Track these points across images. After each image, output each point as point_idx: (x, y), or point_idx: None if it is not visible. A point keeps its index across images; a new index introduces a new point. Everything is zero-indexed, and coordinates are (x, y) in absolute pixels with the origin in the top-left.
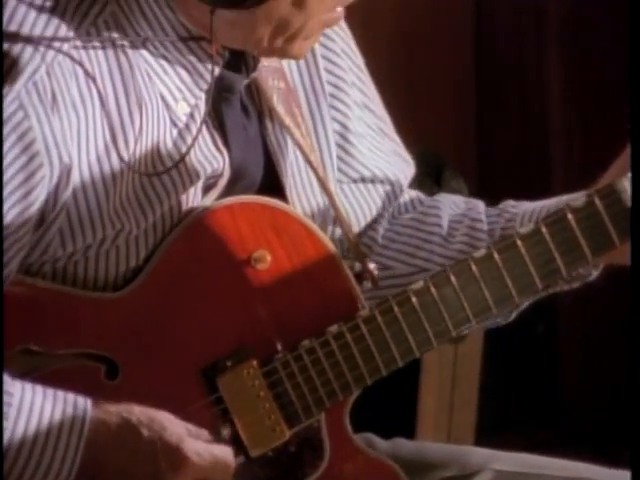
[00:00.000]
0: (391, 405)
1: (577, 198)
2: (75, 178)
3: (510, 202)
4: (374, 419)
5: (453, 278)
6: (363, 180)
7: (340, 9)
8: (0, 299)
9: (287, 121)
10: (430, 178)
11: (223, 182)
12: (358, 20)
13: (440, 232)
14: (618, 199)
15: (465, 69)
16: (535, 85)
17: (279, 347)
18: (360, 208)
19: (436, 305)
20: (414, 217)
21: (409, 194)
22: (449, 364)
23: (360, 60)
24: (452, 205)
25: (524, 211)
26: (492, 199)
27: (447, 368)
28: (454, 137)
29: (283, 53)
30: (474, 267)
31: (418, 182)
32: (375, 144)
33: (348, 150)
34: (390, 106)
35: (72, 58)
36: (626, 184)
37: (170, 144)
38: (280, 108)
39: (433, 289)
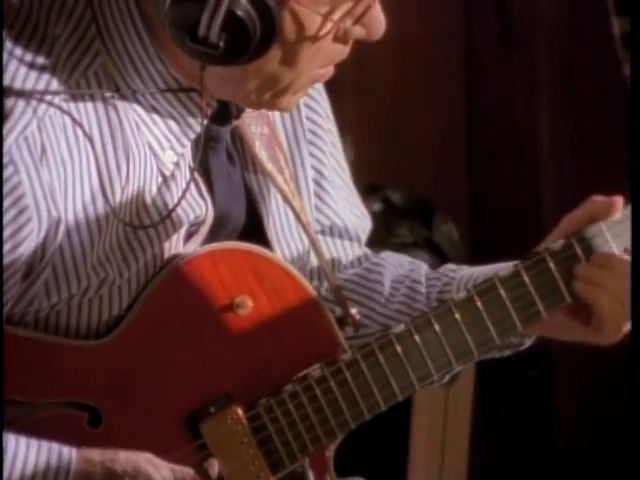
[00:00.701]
0: (382, 449)
1: (506, 268)
2: (62, 230)
3: (450, 266)
4: (365, 463)
5: (434, 322)
6: (332, 229)
7: (330, 67)
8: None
9: (269, 167)
10: (420, 222)
11: (205, 229)
12: (352, 68)
13: (382, 291)
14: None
15: (457, 114)
16: (526, 130)
17: (262, 392)
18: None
19: (418, 349)
20: (358, 273)
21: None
22: (440, 407)
23: (329, 108)
24: (396, 265)
25: (462, 276)
26: (483, 243)
27: (438, 411)
28: (445, 181)
29: (271, 106)
30: (455, 310)
31: (408, 226)
32: (343, 195)
33: (322, 197)
34: (383, 149)
35: (62, 109)
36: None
37: (155, 192)
38: (263, 154)
39: (415, 333)
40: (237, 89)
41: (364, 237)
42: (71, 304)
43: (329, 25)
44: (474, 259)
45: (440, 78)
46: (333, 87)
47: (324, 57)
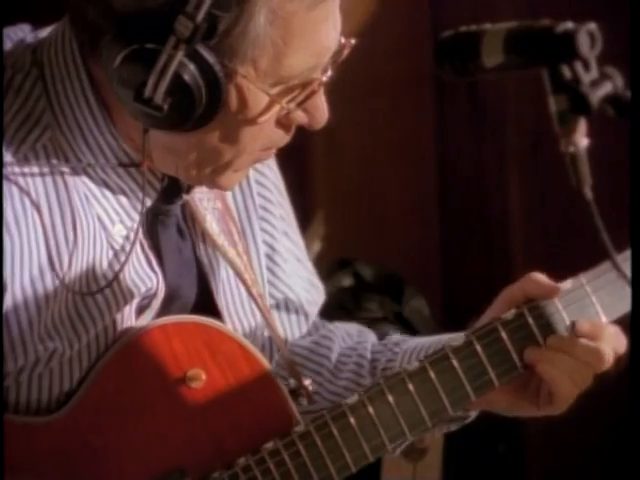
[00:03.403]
0: None
1: (457, 338)
2: (7, 300)
3: (394, 338)
4: None
5: (387, 392)
6: (286, 303)
7: (272, 149)
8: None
9: (220, 241)
10: (391, 297)
11: (157, 302)
12: (322, 142)
13: (328, 366)
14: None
15: (428, 188)
16: (497, 205)
17: (215, 466)
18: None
19: (371, 419)
20: (307, 346)
21: None
22: None
23: (281, 183)
24: (345, 336)
25: (405, 350)
26: (455, 318)
27: None
28: (416, 256)
29: (211, 183)
30: (408, 381)
31: (379, 301)
32: (295, 269)
33: (275, 272)
34: (353, 224)
35: (8, 179)
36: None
37: (105, 265)
38: (214, 228)
39: (368, 403)
40: (179, 160)
41: (315, 310)
42: (20, 379)
43: (274, 106)
44: (445, 334)
45: (411, 153)
46: (303, 162)
47: (266, 138)
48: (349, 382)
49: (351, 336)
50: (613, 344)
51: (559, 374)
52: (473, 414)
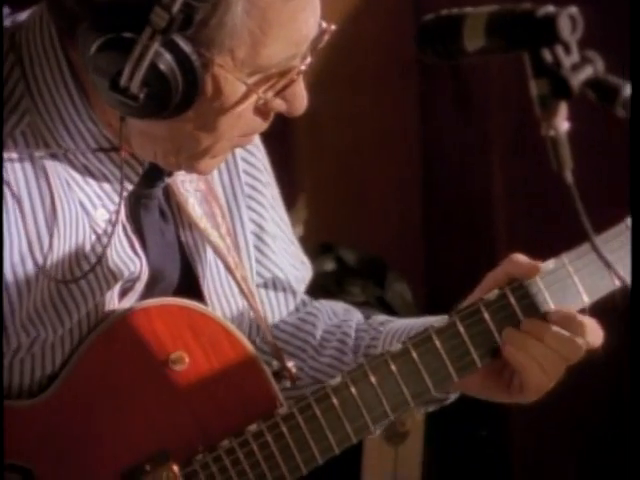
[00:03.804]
0: None
1: (441, 320)
2: None
3: (379, 318)
4: None
5: (370, 373)
6: (274, 282)
7: (252, 135)
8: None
9: (203, 223)
10: (373, 281)
11: (141, 285)
12: (305, 127)
13: (312, 343)
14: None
15: (411, 173)
16: (480, 190)
17: (199, 448)
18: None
19: (354, 401)
20: (292, 323)
21: None
22: (389, 466)
23: (267, 163)
24: (330, 314)
25: (389, 330)
26: (437, 302)
27: (387, 471)
28: (399, 240)
29: (189, 168)
30: (391, 362)
31: (361, 285)
32: (284, 246)
33: (263, 250)
34: (336, 208)
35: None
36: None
37: (88, 249)
38: (197, 210)
39: (351, 385)
40: (157, 147)
41: (303, 287)
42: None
43: (251, 95)
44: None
45: (394, 137)
46: (286, 146)
47: (244, 126)
48: (332, 359)
49: (337, 314)
50: (588, 336)
51: (529, 360)
52: (453, 396)
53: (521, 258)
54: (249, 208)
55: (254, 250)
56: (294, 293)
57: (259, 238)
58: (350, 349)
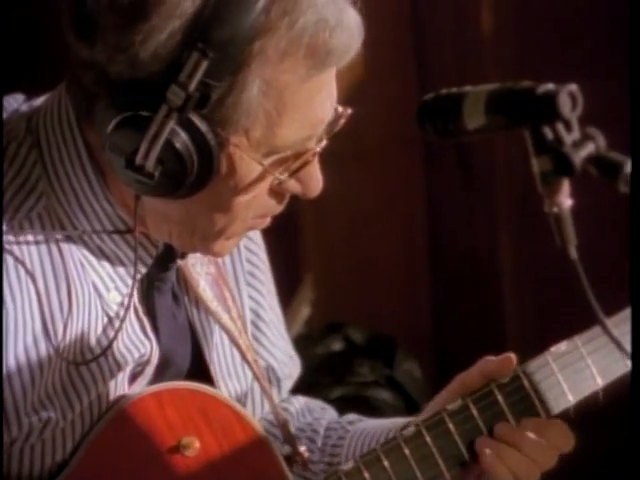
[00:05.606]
0: None
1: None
2: (3, 371)
3: (350, 417)
4: None
5: (383, 457)
6: (267, 371)
7: (267, 217)
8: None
9: (214, 305)
10: (382, 360)
11: (151, 369)
12: (311, 206)
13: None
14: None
15: (419, 251)
16: (488, 267)
17: None
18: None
19: None
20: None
21: None
22: None
23: (265, 254)
24: (305, 411)
25: (356, 430)
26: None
27: None
28: (408, 318)
29: (204, 250)
30: (404, 446)
31: (370, 365)
32: (278, 337)
33: (259, 339)
34: (343, 287)
35: (3, 250)
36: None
37: (100, 332)
38: (208, 293)
39: (364, 470)
40: (172, 227)
41: (289, 384)
42: (12, 451)
43: (266, 175)
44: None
45: (401, 215)
46: (292, 225)
47: (259, 207)
48: None
49: (311, 411)
50: (559, 443)
51: (502, 467)
52: None
53: (492, 358)
54: (248, 296)
55: (252, 339)
56: (280, 388)
57: (256, 327)
58: (317, 447)
